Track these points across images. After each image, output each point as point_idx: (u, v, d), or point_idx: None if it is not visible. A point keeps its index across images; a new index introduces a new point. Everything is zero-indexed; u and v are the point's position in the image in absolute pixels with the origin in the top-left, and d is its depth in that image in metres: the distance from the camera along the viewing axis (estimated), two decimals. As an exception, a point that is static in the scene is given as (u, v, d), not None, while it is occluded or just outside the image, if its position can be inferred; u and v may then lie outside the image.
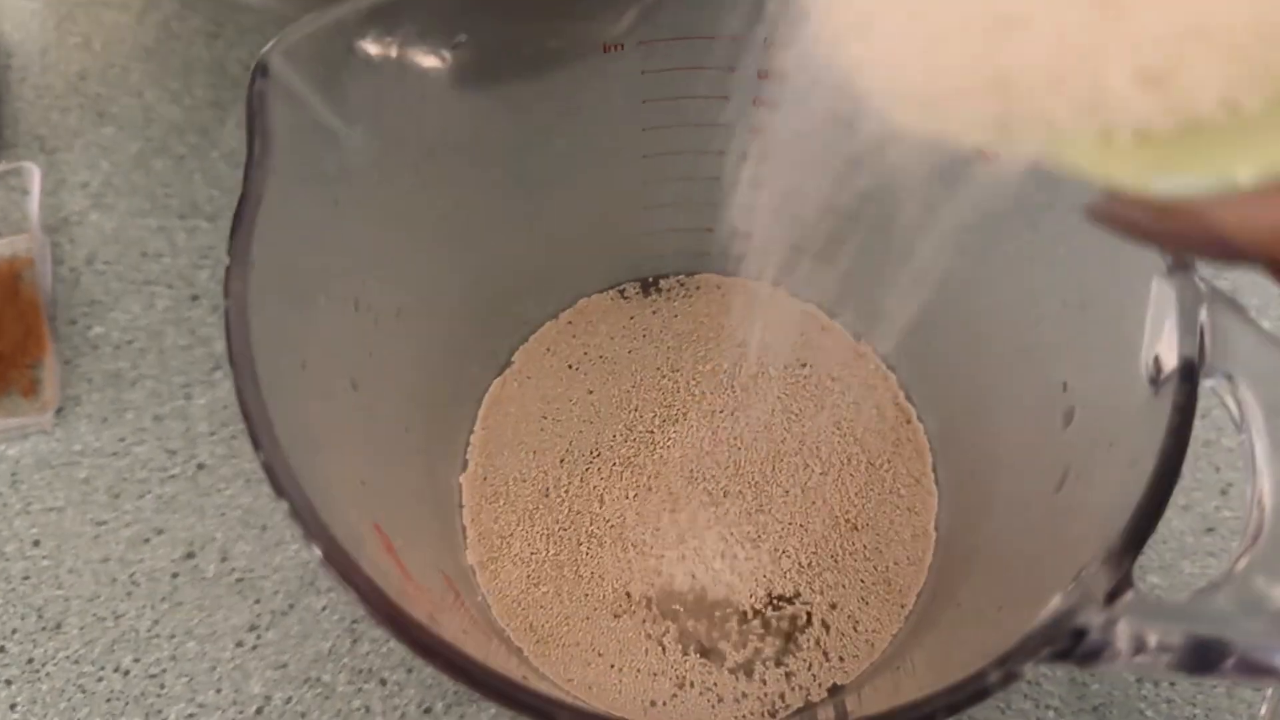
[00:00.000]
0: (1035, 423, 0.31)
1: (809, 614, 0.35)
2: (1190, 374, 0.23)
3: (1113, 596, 0.22)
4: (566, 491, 0.38)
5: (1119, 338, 0.27)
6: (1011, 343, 0.34)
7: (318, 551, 0.21)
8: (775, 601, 0.36)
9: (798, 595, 0.36)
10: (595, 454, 0.39)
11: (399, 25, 0.28)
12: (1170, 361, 0.24)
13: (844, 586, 0.36)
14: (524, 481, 0.38)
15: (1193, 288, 0.24)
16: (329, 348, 0.28)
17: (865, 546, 0.36)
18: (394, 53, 0.28)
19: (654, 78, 0.33)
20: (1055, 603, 0.23)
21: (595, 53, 0.32)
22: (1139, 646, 0.22)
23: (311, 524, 0.21)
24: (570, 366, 0.40)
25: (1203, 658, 0.22)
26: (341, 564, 0.21)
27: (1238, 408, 0.24)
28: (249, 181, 0.24)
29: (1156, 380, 0.24)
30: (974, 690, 0.21)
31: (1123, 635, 0.22)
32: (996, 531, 0.31)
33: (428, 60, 0.30)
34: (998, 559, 0.30)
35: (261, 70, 0.26)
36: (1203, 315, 0.24)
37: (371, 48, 0.28)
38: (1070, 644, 0.22)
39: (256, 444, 0.22)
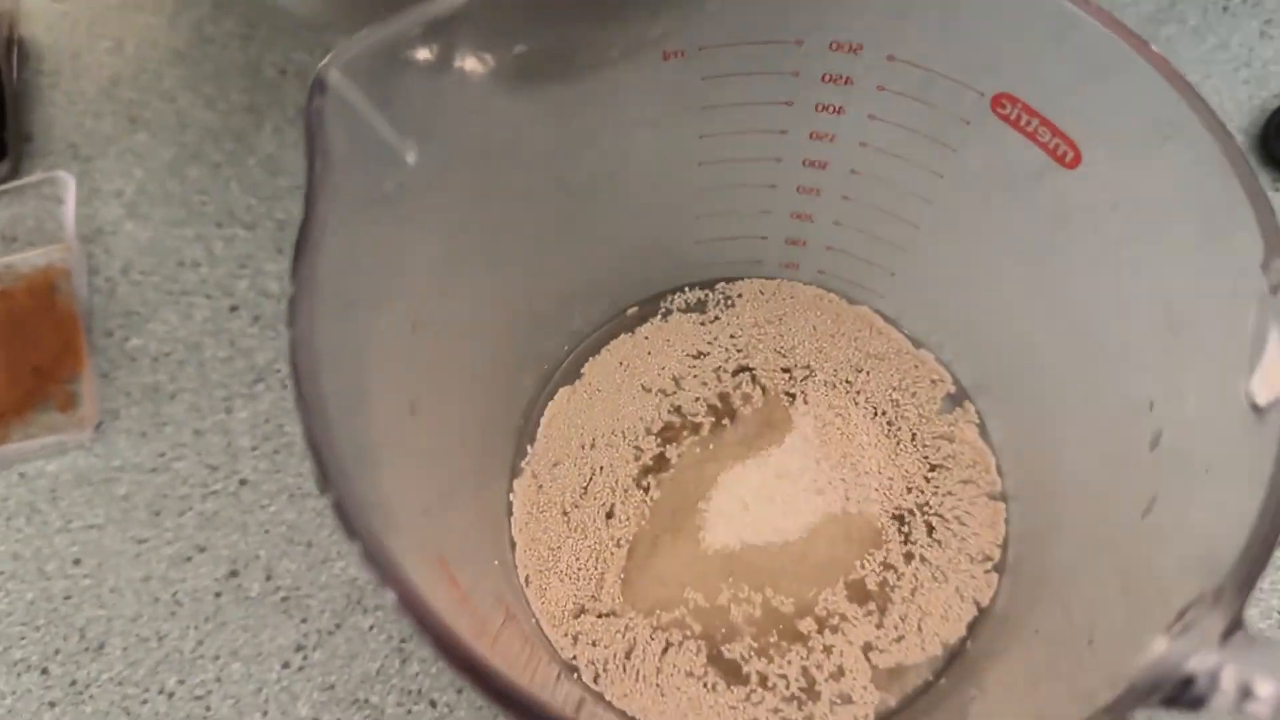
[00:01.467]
0: (1115, 442, 0.29)
1: (899, 616, 0.35)
2: (1302, 401, 0.22)
3: (1225, 638, 0.21)
4: (620, 511, 0.37)
5: (1212, 357, 0.25)
6: (1080, 352, 0.32)
7: (393, 596, 0.20)
8: (830, 622, 0.35)
9: (880, 609, 0.35)
10: (656, 477, 0.37)
11: (456, 37, 0.27)
12: (1276, 387, 0.23)
13: (913, 580, 0.35)
14: (580, 495, 0.37)
15: (1299, 308, 0.23)
16: (388, 372, 0.27)
17: (926, 560, 0.35)
18: (451, 65, 0.27)
19: (714, 83, 0.32)
20: (1161, 645, 0.21)
21: (655, 59, 0.31)
22: (1247, 692, 0.21)
23: (386, 568, 0.20)
24: (643, 387, 0.39)
25: (1321, 707, 0.20)
26: (418, 610, 0.20)
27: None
28: (311, 203, 0.23)
29: (1260, 406, 0.23)
30: (1082, 740, 0.20)
31: (1230, 680, 0.21)
32: (1075, 556, 0.30)
33: (484, 70, 0.28)
34: (1079, 586, 0.29)
35: (319, 86, 0.24)
36: (1310, 338, 0.23)
37: (429, 60, 0.27)
38: (1178, 690, 0.21)
39: (325, 483, 0.21)
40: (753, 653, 0.34)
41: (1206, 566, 0.22)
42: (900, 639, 0.34)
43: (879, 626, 0.34)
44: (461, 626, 0.22)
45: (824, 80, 0.31)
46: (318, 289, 0.22)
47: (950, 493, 0.36)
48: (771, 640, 0.34)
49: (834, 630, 0.34)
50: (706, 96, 0.32)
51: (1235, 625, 0.21)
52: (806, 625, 0.35)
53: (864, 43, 0.30)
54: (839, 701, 0.34)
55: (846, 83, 0.31)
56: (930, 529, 0.36)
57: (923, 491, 0.36)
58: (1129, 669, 0.22)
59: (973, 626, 0.34)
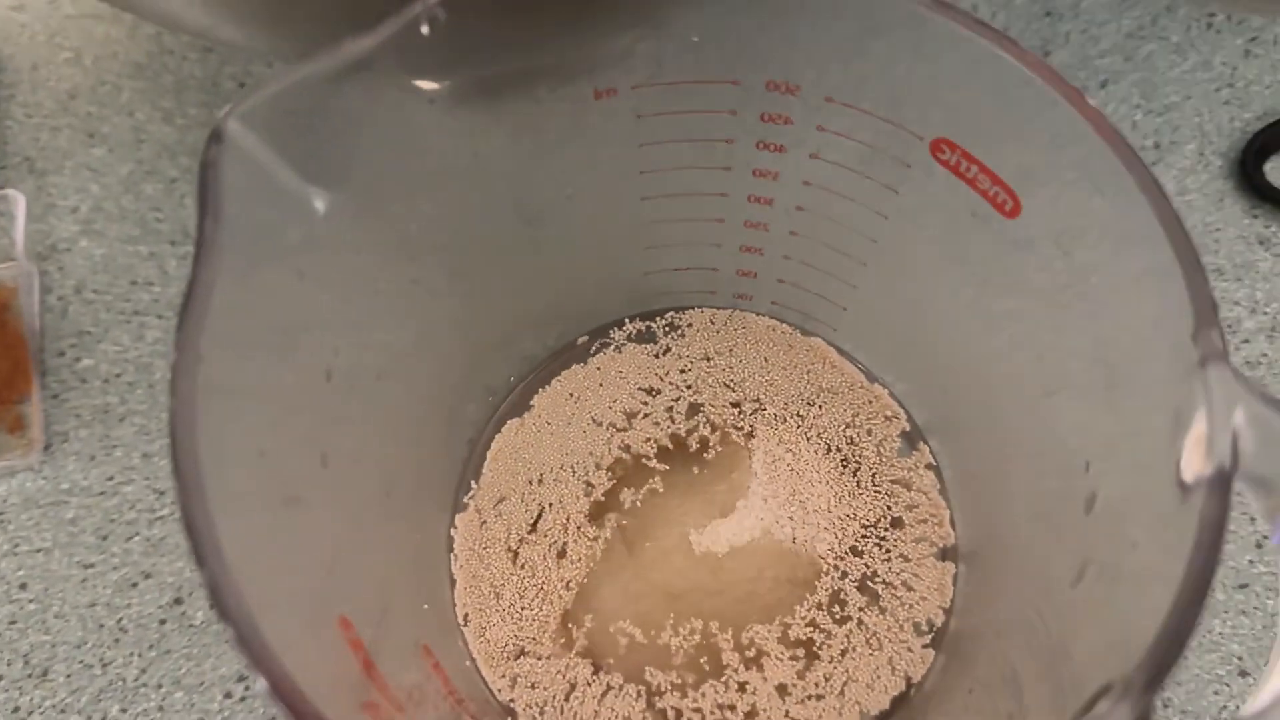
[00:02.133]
0: (1055, 499, 0.29)
1: (824, 675, 0.34)
2: (1222, 485, 0.21)
3: (1130, 737, 0.20)
4: (571, 550, 0.36)
5: (1146, 424, 0.24)
6: (1028, 394, 0.31)
7: (263, 683, 0.20)
8: (759, 663, 0.34)
9: (808, 659, 0.34)
10: (606, 515, 0.37)
11: (372, 77, 0.26)
12: (1200, 466, 0.22)
13: (847, 640, 0.34)
14: (527, 531, 0.36)
15: (1226, 383, 0.22)
16: (296, 426, 0.26)
17: (863, 625, 0.34)
18: (366, 107, 0.26)
19: (650, 122, 0.31)
20: (1068, 737, 0.21)
21: (586, 96, 0.30)
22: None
23: (258, 653, 0.20)
24: (594, 420, 0.38)
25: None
26: (290, 697, 0.20)
27: (1271, 520, 0.22)
28: (199, 265, 0.22)
29: (1184, 484, 0.22)
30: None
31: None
32: (1011, 617, 0.29)
33: (401, 112, 0.28)
34: (1010, 651, 0.28)
35: (216, 138, 0.24)
36: (1238, 417, 0.22)
37: (346, 101, 0.26)
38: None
39: (199, 562, 0.20)
40: (690, 699, 0.34)
41: (1120, 653, 0.21)
42: (819, 698, 0.33)
43: (800, 678, 0.34)
44: (348, 704, 0.21)
45: (763, 119, 0.30)
46: (203, 354, 0.22)
47: (903, 555, 0.35)
48: (708, 684, 0.34)
49: (759, 670, 0.34)
50: (643, 134, 0.31)
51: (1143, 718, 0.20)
52: (740, 669, 0.34)
53: (800, 83, 0.29)
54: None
55: (786, 122, 0.30)
56: (875, 594, 0.35)
57: (876, 547, 0.35)
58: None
59: (897, 701, 0.33)
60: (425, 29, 0.25)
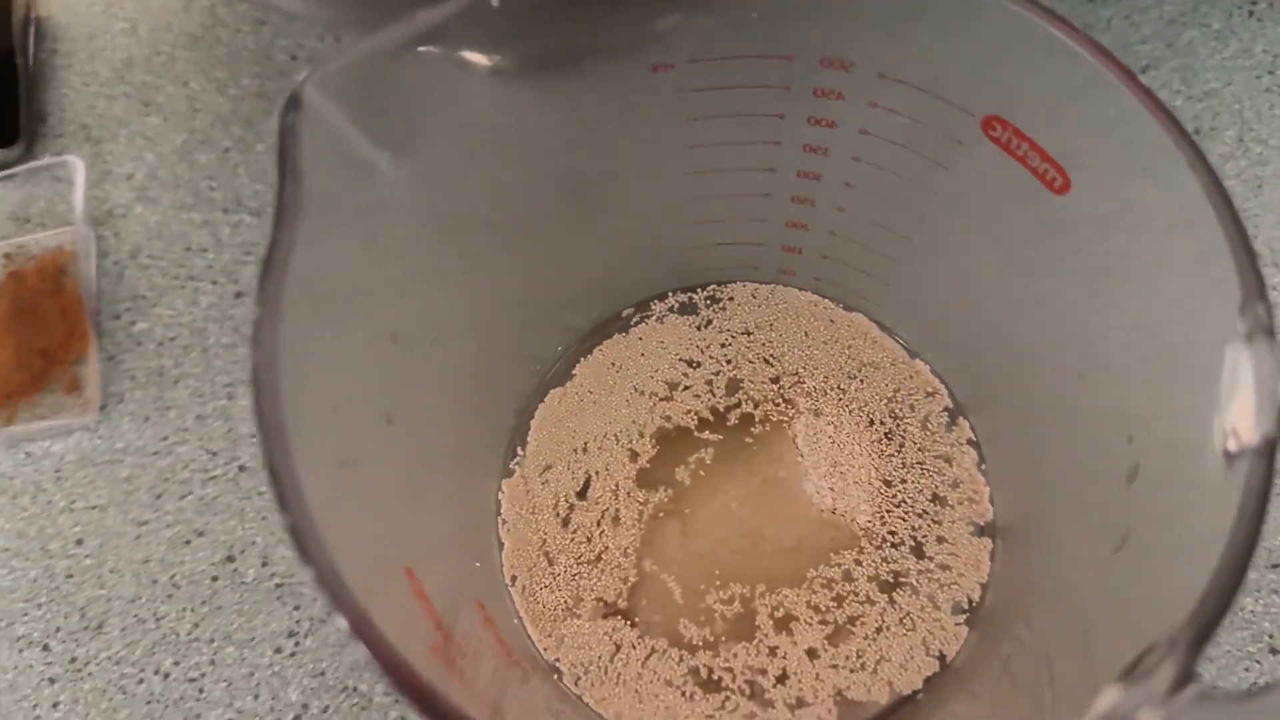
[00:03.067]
0: (1097, 470, 0.29)
1: (856, 650, 0.34)
2: (1269, 454, 0.22)
3: (1173, 693, 0.21)
4: (623, 516, 0.37)
5: (1192, 395, 0.25)
6: (1070, 369, 0.32)
7: (343, 623, 0.21)
8: (820, 642, 0.35)
9: (843, 632, 0.35)
10: (651, 482, 0.37)
11: (441, 46, 0.27)
12: (1246, 436, 0.22)
13: (881, 618, 0.35)
14: (575, 498, 0.37)
15: (1272, 357, 0.23)
16: (363, 386, 0.27)
17: (896, 604, 0.35)
18: (435, 75, 0.27)
19: (704, 95, 0.31)
20: (1112, 695, 0.21)
21: (644, 71, 0.30)
22: (1187, 751, 0.21)
23: (338, 594, 0.21)
24: (635, 389, 0.39)
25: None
26: (369, 637, 0.21)
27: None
28: (280, 226, 0.23)
29: (1230, 453, 0.23)
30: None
31: (1177, 737, 0.21)
32: (1050, 586, 0.30)
33: (469, 80, 0.28)
34: (1049, 619, 0.29)
35: (294, 103, 0.25)
36: (1284, 388, 0.22)
37: (411, 72, 0.27)
38: (1123, 741, 0.21)
39: (282, 505, 0.21)
40: (726, 661, 0.34)
41: (1165, 614, 0.22)
42: (851, 670, 0.34)
43: (832, 645, 0.34)
44: (418, 647, 0.22)
45: (816, 94, 0.31)
46: (283, 311, 0.23)
47: (940, 535, 0.36)
48: (743, 646, 0.35)
49: (788, 635, 0.35)
50: (697, 108, 0.32)
51: (1184, 679, 0.21)
52: (772, 634, 0.35)
53: (854, 60, 0.30)
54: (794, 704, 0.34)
55: (838, 97, 0.31)
56: (912, 571, 0.35)
57: (916, 522, 0.36)
58: (1081, 714, 0.22)
59: (930, 680, 0.34)
60: (495, 1, 0.26)
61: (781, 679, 0.34)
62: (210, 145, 0.47)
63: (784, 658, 0.35)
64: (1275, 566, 0.38)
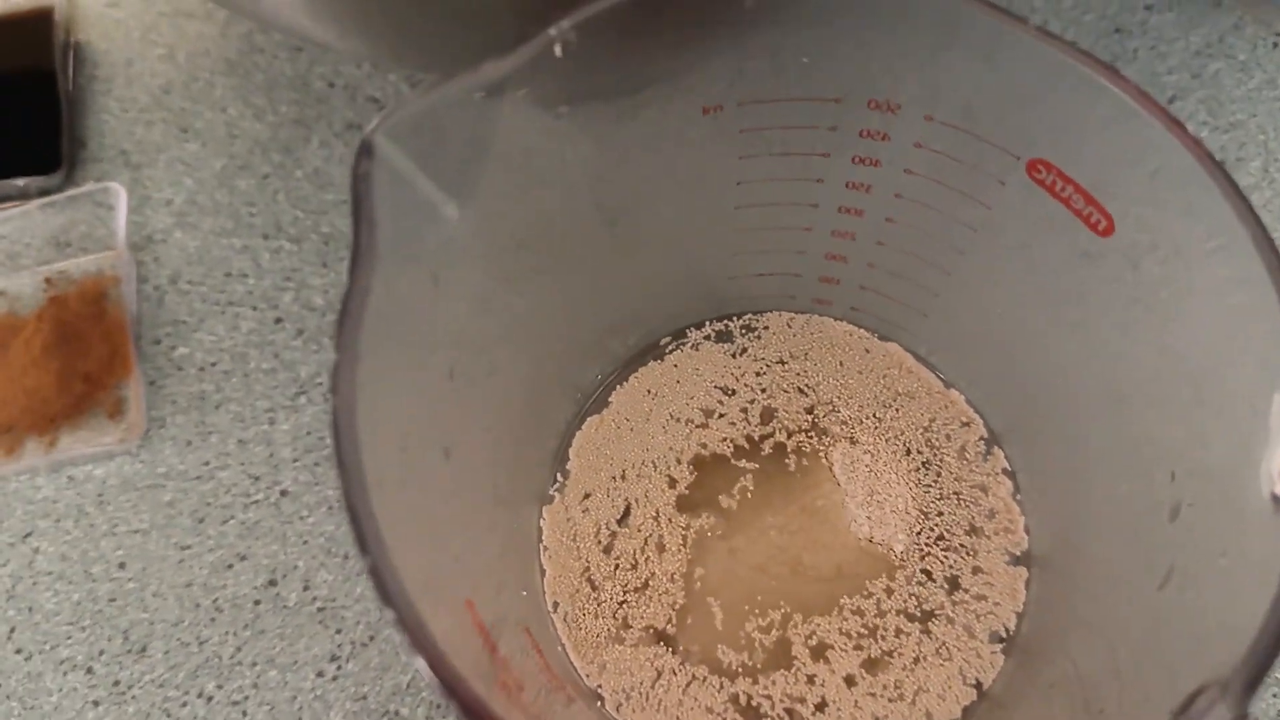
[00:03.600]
0: (1136, 508, 0.30)
1: (895, 680, 0.35)
2: (1317, 501, 0.23)
3: (1230, 734, 0.21)
4: (667, 543, 0.37)
5: (1235, 438, 0.26)
6: (1108, 400, 0.33)
7: (423, 664, 0.21)
8: (857, 670, 0.35)
9: (881, 663, 0.35)
10: (691, 510, 0.38)
11: (502, 97, 0.28)
12: (1295, 482, 0.23)
13: (917, 648, 0.35)
14: (616, 524, 0.38)
15: (1319, 400, 0.23)
16: (426, 422, 0.28)
17: (949, 612, 0.36)
18: (496, 124, 0.28)
19: (752, 136, 0.32)
20: (1167, 732, 0.22)
21: (695, 113, 0.31)
22: (1247, 787, 0.21)
23: (418, 634, 0.21)
24: (672, 416, 0.40)
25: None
26: (446, 677, 0.21)
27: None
28: (356, 271, 0.24)
29: (1277, 497, 0.24)
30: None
31: (1233, 779, 0.21)
32: (1090, 618, 0.31)
33: (528, 127, 0.29)
34: (1091, 650, 0.30)
35: (367, 151, 0.25)
36: (1334, 437, 0.23)
37: (475, 119, 0.27)
38: (1178, 784, 0.21)
39: (363, 549, 0.22)
40: (765, 689, 0.35)
41: (1216, 655, 0.23)
42: (890, 700, 0.35)
43: (869, 674, 0.35)
44: (486, 679, 0.23)
45: (861, 135, 0.32)
46: (360, 355, 0.23)
47: (978, 568, 0.36)
48: (781, 674, 0.35)
49: (826, 663, 0.35)
50: (744, 148, 0.32)
51: None
52: (818, 664, 0.35)
53: (902, 103, 0.30)
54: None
55: (884, 139, 0.32)
56: (948, 602, 0.36)
57: (953, 553, 0.37)
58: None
59: (968, 710, 0.35)
60: (559, 50, 0.27)
61: (820, 708, 0.35)
62: (249, 171, 0.47)
63: (822, 685, 0.35)
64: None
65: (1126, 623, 0.28)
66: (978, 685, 0.35)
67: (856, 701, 0.35)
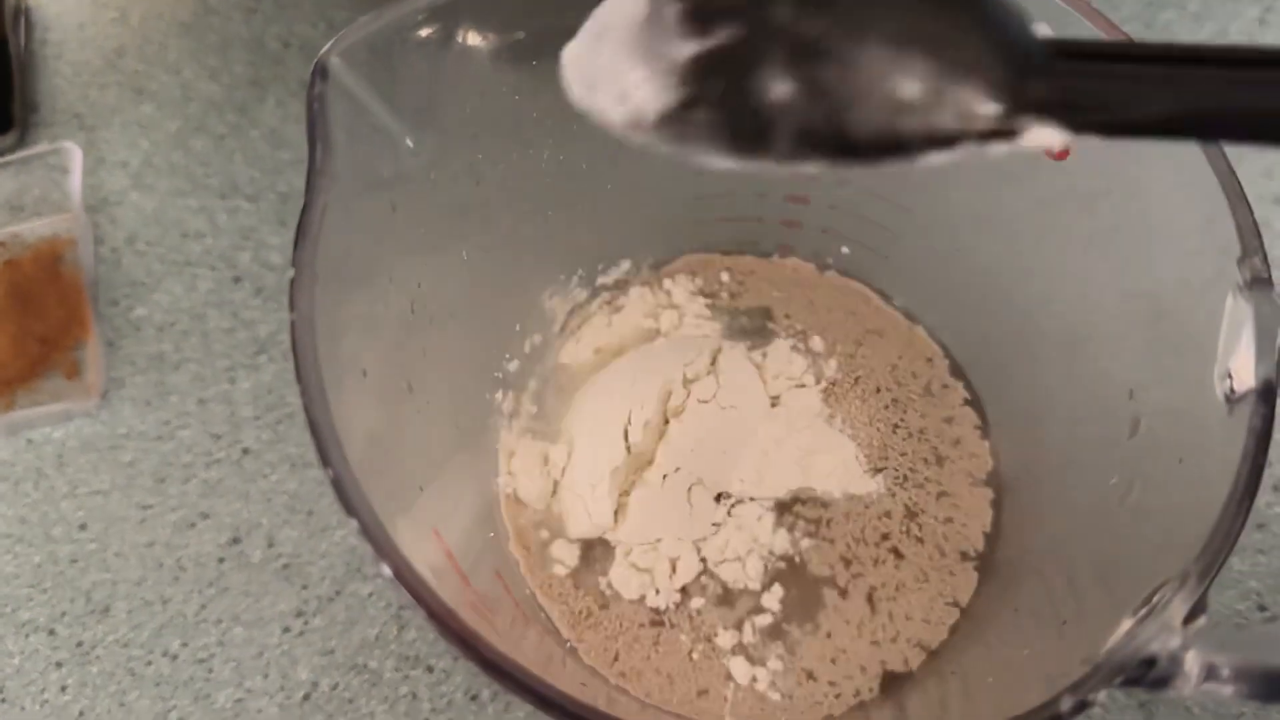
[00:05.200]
0: (1098, 426, 0.30)
1: (870, 599, 0.35)
2: (1269, 397, 0.23)
3: (1187, 623, 0.22)
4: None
5: (1190, 349, 0.26)
6: (1068, 336, 0.33)
7: (388, 570, 0.21)
8: (824, 587, 0.35)
9: (847, 583, 0.35)
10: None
11: (457, 21, 0.28)
12: (1247, 380, 0.24)
13: (895, 576, 0.35)
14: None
15: (1271, 304, 0.24)
16: (387, 353, 0.28)
17: (918, 534, 0.36)
18: (451, 49, 0.28)
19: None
20: (1126, 626, 0.22)
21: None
22: (1209, 674, 0.21)
23: (382, 542, 0.21)
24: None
25: (1277, 689, 0.21)
26: (412, 583, 0.21)
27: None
28: (312, 190, 0.24)
29: (1231, 398, 0.24)
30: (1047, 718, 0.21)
31: (1193, 663, 0.21)
32: (1056, 536, 0.31)
33: (483, 54, 0.29)
34: (1058, 566, 0.30)
35: (321, 73, 0.25)
36: (1282, 334, 0.23)
37: (428, 45, 0.27)
38: (1141, 671, 0.22)
39: (325, 460, 0.22)
40: (728, 639, 0.35)
41: (1174, 553, 0.23)
42: (879, 643, 0.35)
43: (867, 611, 0.35)
44: (455, 598, 0.23)
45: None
46: (318, 273, 0.23)
47: (945, 492, 0.37)
48: (757, 619, 0.35)
49: (818, 603, 0.35)
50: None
51: (1198, 610, 0.22)
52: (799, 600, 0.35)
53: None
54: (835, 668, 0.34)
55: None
56: (919, 527, 0.36)
57: (920, 484, 0.37)
58: (1098, 651, 0.22)
59: (954, 629, 0.35)
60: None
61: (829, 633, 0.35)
62: (205, 132, 0.47)
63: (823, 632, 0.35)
64: (1261, 526, 0.40)
65: (1092, 535, 0.29)
66: (956, 604, 0.35)
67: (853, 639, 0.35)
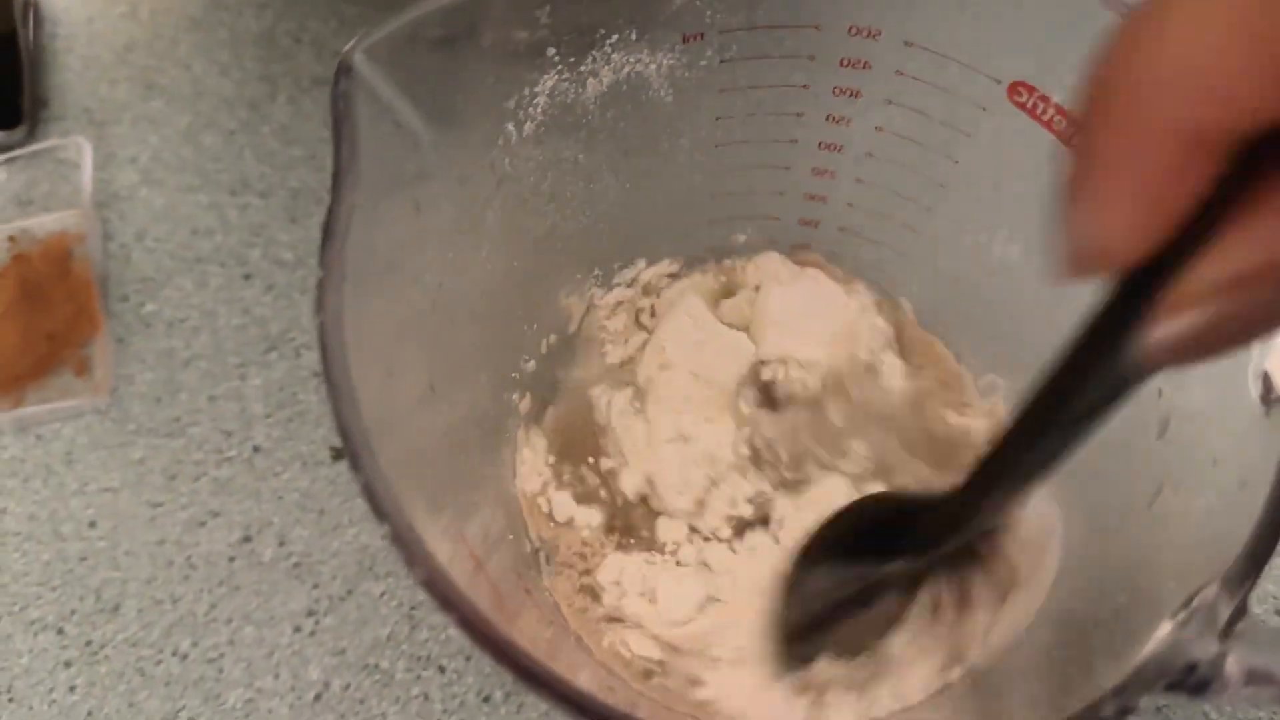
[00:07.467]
0: (1124, 428, 0.30)
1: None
2: (1308, 396, 0.23)
3: (1229, 626, 0.21)
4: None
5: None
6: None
7: (422, 575, 0.21)
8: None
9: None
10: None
11: (477, 19, 0.27)
12: (1282, 382, 0.23)
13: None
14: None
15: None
16: (409, 353, 0.27)
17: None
18: (471, 47, 0.27)
19: (732, 66, 0.32)
20: (1166, 630, 0.22)
21: (675, 41, 0.31)
22: (1251, 678, 0.21)
23: (414, 548, 0.21)
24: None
25: (1323, 692, 0.21)
26: (444, 590, 0.21)
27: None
28: (339, 188, 0.23)
29: (1267, 399, 0.24)
30: (1087, 725, 0.21)
31: (1234, 666, 0.21)
32: (1083, 543, 0.31)
33: (503, 51, 0.29)
34: (1087, 573, 0.30)
35: (345, 71, 0.25)
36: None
37: (448, 44, 0.27)
38: (1182, 676, 0.21)
39: (355, 464, 0.21)
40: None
41: (1211, 556, 0.23)
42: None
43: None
44: (483, 603, 0.23)
45: (842, 65, 0.32)
46: (345, 274, 0.23)
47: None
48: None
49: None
50: (724, 80, 0.32)
51: (1239, 614, 0.22)
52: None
53: (882, 28, 0.30)
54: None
55: (865, 67, 0.32)
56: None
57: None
58: (1135, 656, 0.22)
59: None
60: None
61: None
62: (215, 128, 0.47)
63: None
64: (1279, 527, 0.39)
65: (1121, 540, 0.29)
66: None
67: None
